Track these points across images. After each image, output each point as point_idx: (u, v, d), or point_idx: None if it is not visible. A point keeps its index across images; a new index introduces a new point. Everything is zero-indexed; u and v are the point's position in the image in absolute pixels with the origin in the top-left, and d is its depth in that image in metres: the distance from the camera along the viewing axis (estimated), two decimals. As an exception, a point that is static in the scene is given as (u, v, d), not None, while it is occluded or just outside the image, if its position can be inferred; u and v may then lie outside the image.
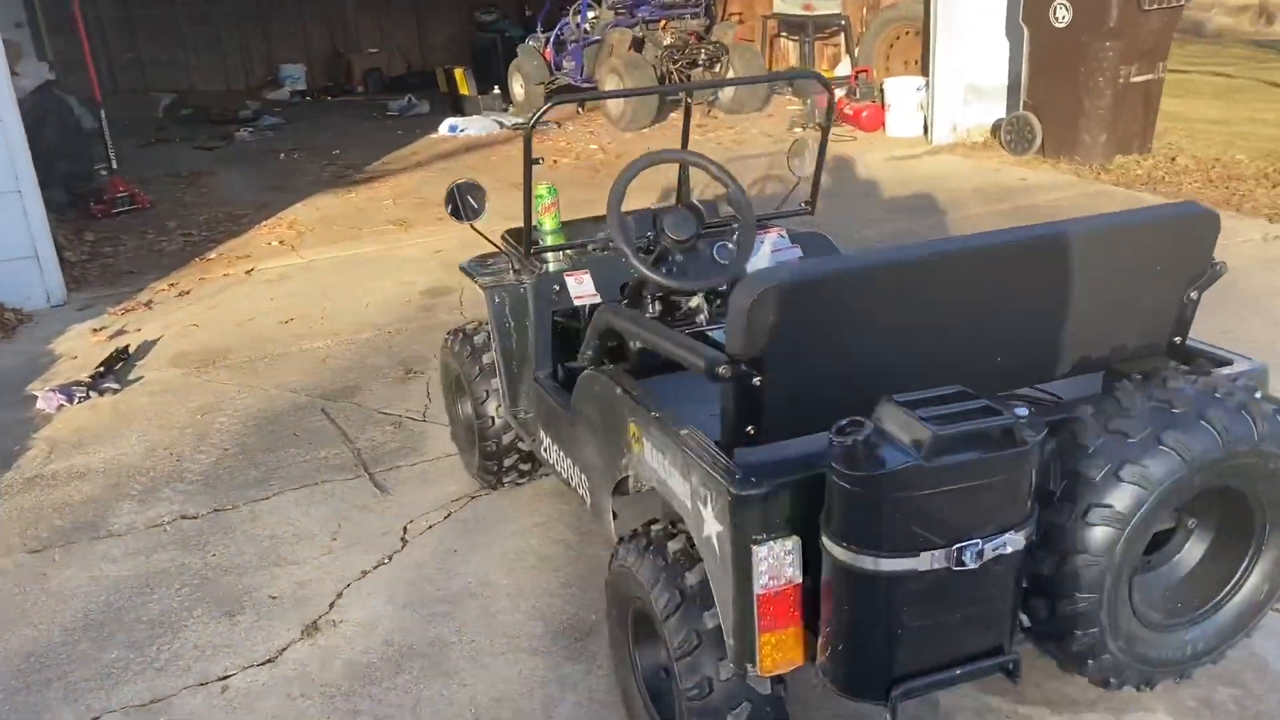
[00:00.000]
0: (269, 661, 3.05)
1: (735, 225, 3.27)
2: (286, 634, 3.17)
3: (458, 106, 12.74)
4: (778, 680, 2.17)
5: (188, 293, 6.59)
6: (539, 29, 12.97)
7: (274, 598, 3.36)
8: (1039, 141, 8.51)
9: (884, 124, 10.07)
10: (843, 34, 11.46)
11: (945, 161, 8.97)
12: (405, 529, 3.71)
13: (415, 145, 11.23)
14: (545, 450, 3.17)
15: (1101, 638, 1.94)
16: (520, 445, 3.69)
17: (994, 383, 2.21)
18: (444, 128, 11.74)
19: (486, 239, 3.80)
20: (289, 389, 4.97)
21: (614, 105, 11.15)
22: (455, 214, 3.60)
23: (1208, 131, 9.54)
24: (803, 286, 1.92)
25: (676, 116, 11.87)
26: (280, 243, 7.63)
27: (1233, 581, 2.08)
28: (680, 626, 2.18)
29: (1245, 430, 1.89)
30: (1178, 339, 2.37)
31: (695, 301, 3.58)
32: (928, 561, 1.77)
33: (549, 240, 3.72)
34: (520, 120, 11.99)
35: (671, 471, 2.18)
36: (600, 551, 3.47)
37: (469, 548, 3.56)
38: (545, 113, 3.13)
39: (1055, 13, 8.05)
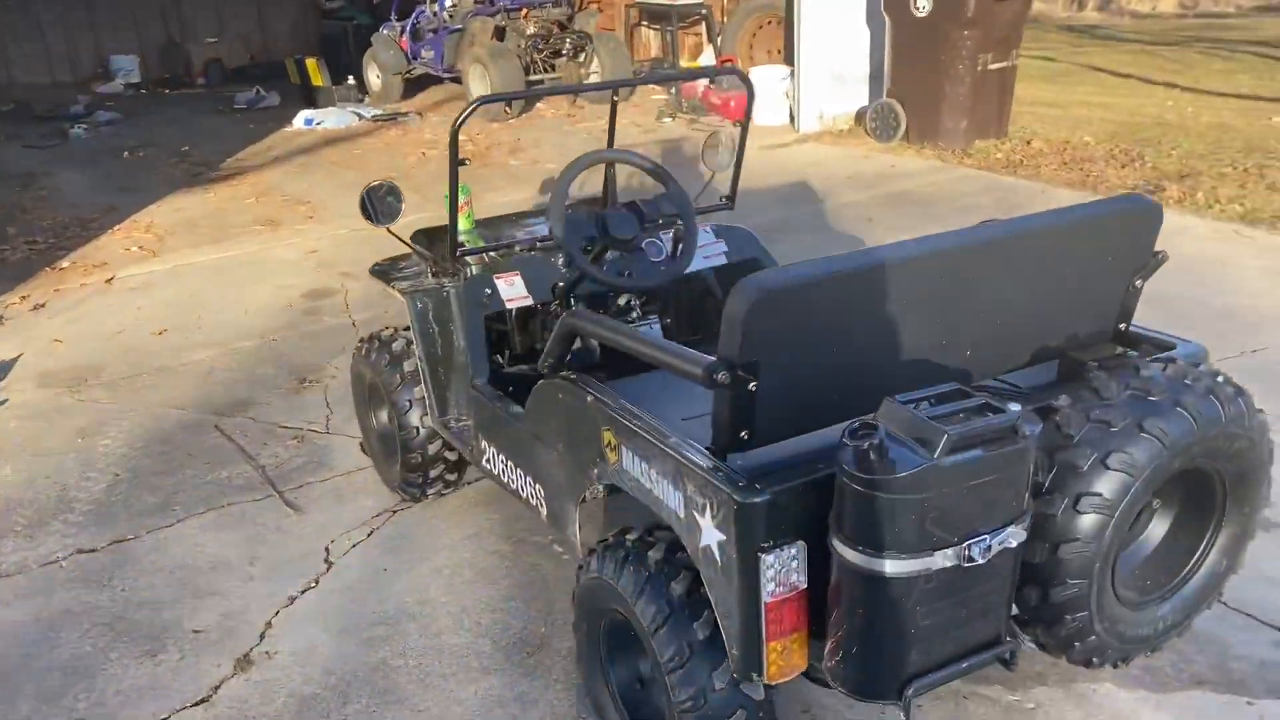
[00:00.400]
0: (203, 701, 2.86)
1: (664, 220, 3.25)
2: (217, 670, 2.98)
3: (311, 98, 12.26)
4: (769, 684, 2.15)
5: (43, 306, 6.12)
6: (393, 17, 12.62)
7: (197, 631, 3.15)
8: (903, 128, 8.78)
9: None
10: (704, 23, 11.56)
11: (815, 150, 9.16)
12: (328, 549, 3.54)
13: (270, 140, 10.75)
14: (488, 461, 3.07)
15: (1089, 621, 2.01)
16: (447, 455, 3.57)
17: (963, 376, 2.25)
18: (299, 120, 11.28)
19: (404, 241, 3.66)
20: (175, 405, 4.68)
21: (478, 94, 10.93)
22: (369, 217, 3.45)
23: (1049, 115, 10.05)
24: (797, 289, 1.90)
25: (543, 107, 11.75)
26: (139, 248, 7.18)
27: (1196, 556, 2.18)
28: (670, 638, 2.14)
29: (1214, 413, 1.98)
30: (1123, 325, 2.47)
31: (623, 300, 3.55)
32: (940, 560, 1.78)
33: (465, 240, 3.60)
34: (379, 111, 11.64)
35: (659, 480, 2.13)
36: (539, 561, 3.40)
37: (399, 566, 3.43)
38: (470, 113, 3.03)
39: (916, 3, 8.30)
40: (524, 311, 3.39)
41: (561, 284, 3.27)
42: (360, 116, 11.39)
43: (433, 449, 3.53)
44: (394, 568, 3.42)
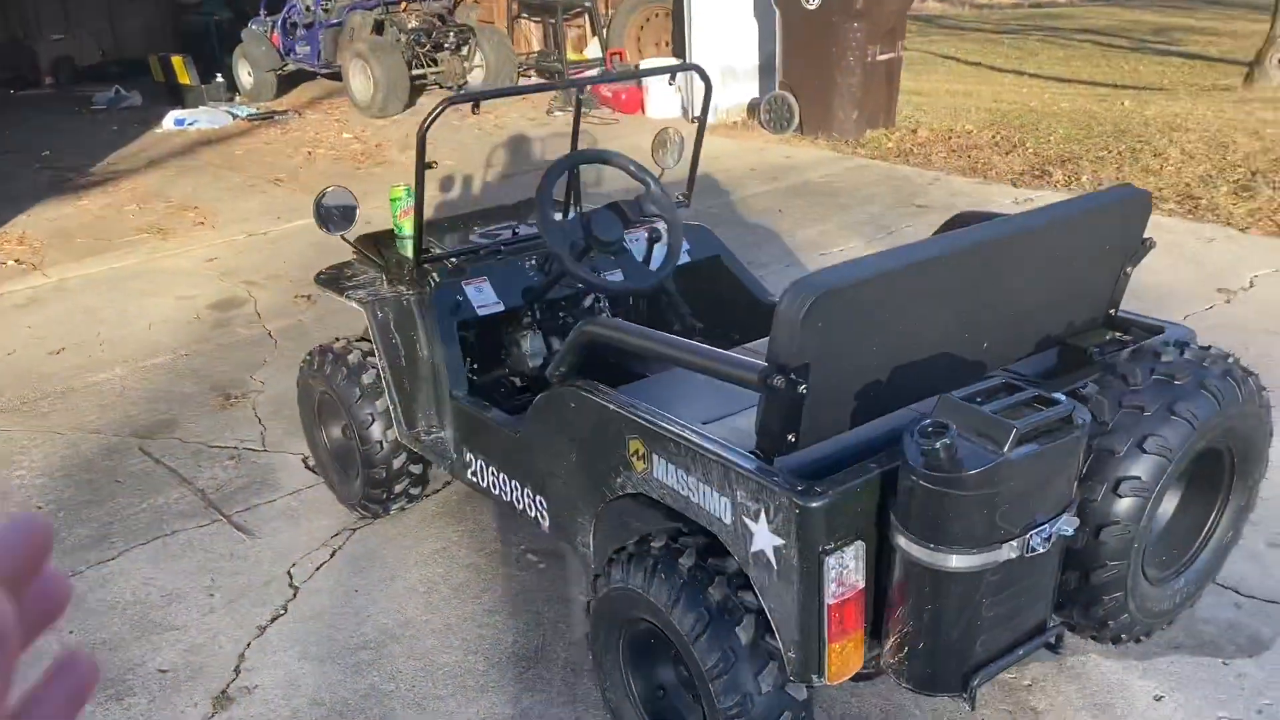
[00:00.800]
0: (185, 746, 2.70)
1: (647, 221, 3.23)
2: (195, 710, 2.81)
3: (178, 97, 11.70)
4: (810, 685, 2.15)
5: (-83, 328, 5.67)
6: (262, 12, 12.13)
7: (164, 671, 2.97)
8: (797, 120, 8.94)
9: (643, 106, 10.23)
10: (587, 16, 11.51)
11: (711, 142, 9.14)
12: (290, 574, 3.38)
13: (140, 142, 10.21)
14: (473, 473, 2.98)
15: (1124, 600, 2.08)
16: (411, 469, 3.46)
17: (980, 368, 2.30)
18: (169, 121, 10.74)
19: (359, 250, 3.52)
20: (90, 429, 4.39)
21: (361, 91, 10.64)
22: (324, 225, 3.31)
23: (921, 104, 10.40)
24: (847, 290, 1.90)
25: (426, 102, 11.50)
26: (16, 261, 6.71)
27: (1206, 529, 2.29)
28: (713, 645, 2.12)
29: (1232, 393, 2.07)
30: (1113, 310, 2.56)
31: (588, 302, 3.50)
32: (1006, 552, 1.81)
33: (408, 245, 3.49)
34: (254, 110, 11.19)
35: (698, 487, 2.11)
36: (516, 572, 3.32)
37: (371, 586, 3.30)
38: (438, 115, 2.91)
39: (806, -4, 8.45)
40: (486, 319, 3.31)
41: (533, 288, 3.21)
42: (235, 116, 10.92)
43: (397, 463, 3.41)
44: (365, 588, 3.29)
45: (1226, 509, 2.28)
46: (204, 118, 10.75)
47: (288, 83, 12.45)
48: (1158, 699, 2.65)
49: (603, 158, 2.98)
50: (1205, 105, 10.20)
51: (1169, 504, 2.30)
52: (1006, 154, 8.19)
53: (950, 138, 8.81)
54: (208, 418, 4.47)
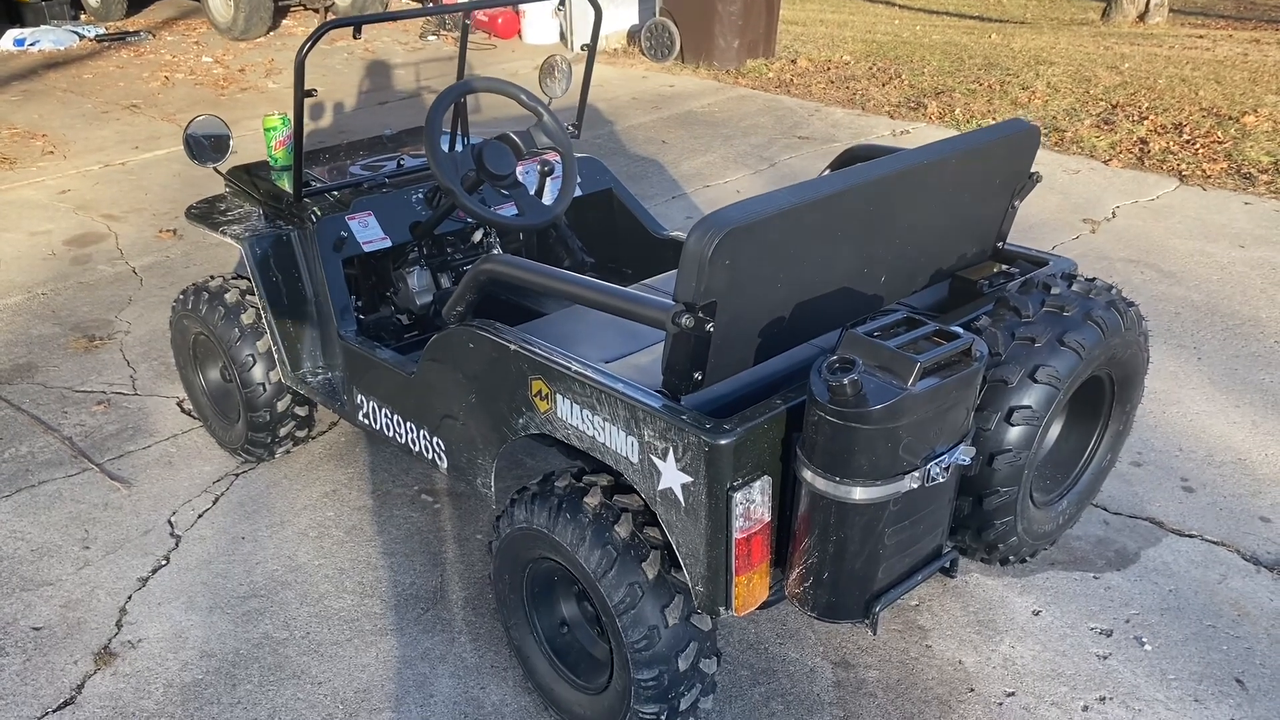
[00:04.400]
0: (68, 704, 2.58)
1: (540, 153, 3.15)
2: (76, 668, 2.69)
3: (16, 15, 10.85)
4: (716, 616, 2.19)
5: None
6: (107, -77, 11.29)
7: (38, 629, 2.83)
8: (678, 48, 8.86)
9: (519, 32, 9.97)
10: (461, -64, 11.09)
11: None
12: (171, 523, 3.25)
13: (-24, 64, 9.47)
14: (365, 416, 2.90)
15: (1014, 523, 2.16)
16: (296, 411, 3.34)
17: (877, 302, 2.33)
18: (7, 41, 9.98)
19: (231, 181, 3.34)
20: (-60, 376, 4.11)
21: (221, 11, 10.06)
22: (194, 156, 3.13)
23: (798, 34, 10.45)
24: (755, 226, 1.89)
25: (291, 24, 10.97)
26: None
27: (1086, 453, 2.39)
28: (619, 581, 2.13)
29: (1116, 323, 2.16)
30: (1000, 244, 2.63)
31: (477, 237, 3.42)
32: (908, 483, 1.86)
33: (285, 178, 3.34)
34: (103, 31, 10.48)
35: (604, 426, 2.09)
36: (410, 513, 3.27)
37: (258, 532, 3.20)
38: (317, 40, 2.76)
39: (686, -79, 8.32)
40: (370, 255, 3.20)
41: (420, 224, 3.11)
42: (81, 36, 10.22)
43: (281, 406, 3.29)
44: (253, 535, 3.19)
45: (1106, 434, 2.39)
46: (47, 38, 10.01)
47: (139, 2, 11.69)
48: (1036, 613, 2.79)
49: (493, 87, 2.88)
50: (1067, 39, 10.53)
51: (1053, 430, 2.39)
52: (883, 86, 8.30)
53: (829, 68, 8.88)
54: (71, 361, 4.23)
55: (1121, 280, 4.60)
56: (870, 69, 8.81)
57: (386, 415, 2.81)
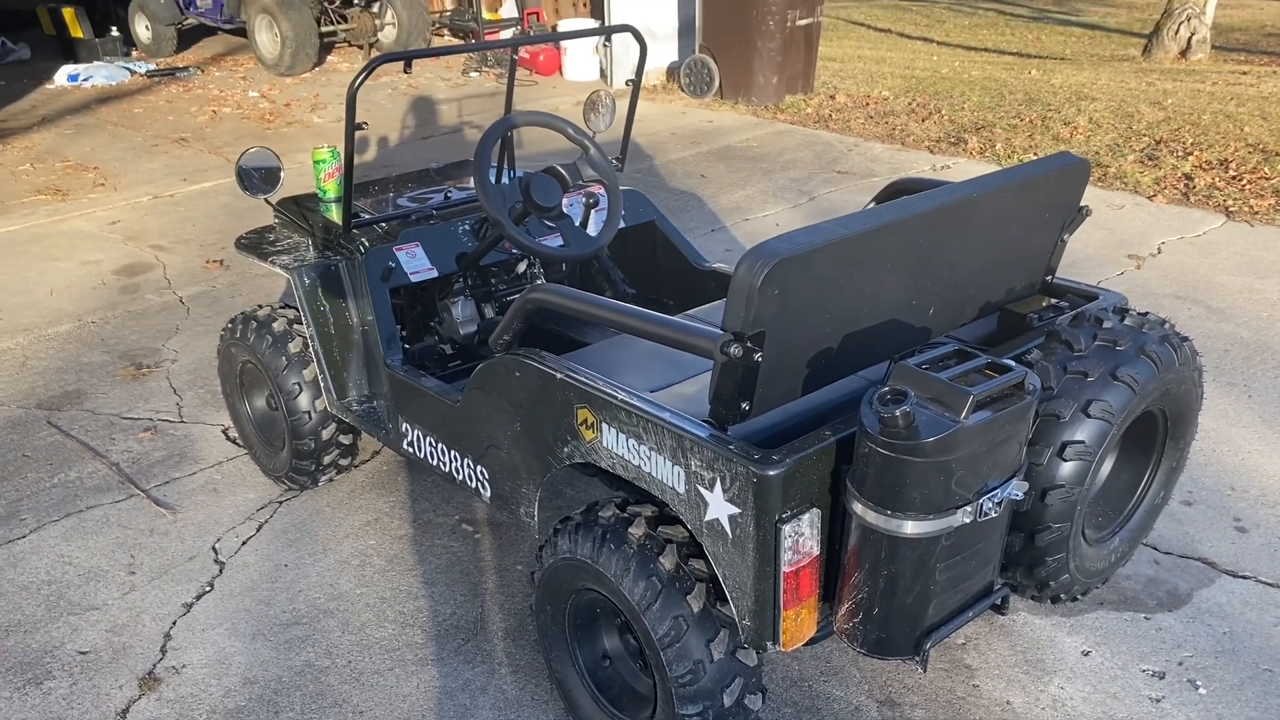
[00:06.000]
0: (112, 729, 2.60)
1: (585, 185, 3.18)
2: (121, 693, 2.71)
3: (71, 52, 11.14)
4: (763, 651, 2.16)
5: None
6: (161, -37, 11.58)
7: (84, 653, 2.85)
8: (717, 84, 8.91)
9: (560, 68, 10.08)
10: (503, -26, 11.27)
11: (631, 104, 9.14)
12: (215, 549, 3.28)
13: (32, 98, 9.71)
14: (410, 444, 2.91)
15: (1066, 560, 2.13)
16: (341, 439, 3.37)
17: (925, 335, 2.32)
18: (62, 77, 10.24)
19: (281, 213, 3.39)
20: (-8, 402, 4.18)
21: (268, 47, 10.26)
22: (247, 188, 3.18)
23: (837, 70, 10.48)
24: (804, 257, 1.89)
25: (336, 60, 11.17)
26: (-100, 223, 6.34)
27: (1139, 490, 2.35)
28: (664, 614, 2.11)
29: (1170, 358, 2.13)
30: (1049, 277, 2.61)
31: (522, 268, 3.44)
32: (961, 517, 1.83)
33: (334, 209, 3.38)
34: (154, 66, 10.73)
35: (651, 456, 2.08)
36: (450, 542, 3.27)
37: (301, 560, 3.22)
38: (369, 73, 2.80)
39: (726, -42, 8.40)
40: (415, 285, 3.23)
41: (468, 255, 3.14)
42: (132, 72, 10.46)
43: (326, 434, 3.32)
44: (295, 562, 3.20)
45: (1159, 471, 2.35)
46: (100, 73, 10.26)
47: (188, 38, 11.98)
48: (1085, 653, 2.73)
49: (542, 121, 2.91)
50: (1108, 75, 10.49)
51: (1106, 467, 2.35)
52: (923, 121, 8.30)
53: (868, 104, 8.90)
54: (119, 388, 4.29)
55: (1169, 317, 4.54)
56: (909, 104, 8.81)
57: (431, 444, 2.82)
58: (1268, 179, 6.39)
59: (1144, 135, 7.51)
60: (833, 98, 9.04)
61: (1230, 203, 6.05)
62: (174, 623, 2.96)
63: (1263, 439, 3.67)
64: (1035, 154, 7.29)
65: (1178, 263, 5.24)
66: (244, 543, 3.31)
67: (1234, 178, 6.46)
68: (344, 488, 3.57)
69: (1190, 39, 11.83)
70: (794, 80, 8.93)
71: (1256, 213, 5.90)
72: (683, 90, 9.19)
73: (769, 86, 8.74)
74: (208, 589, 3.10)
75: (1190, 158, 6.89)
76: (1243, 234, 5.62)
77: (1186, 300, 4.79)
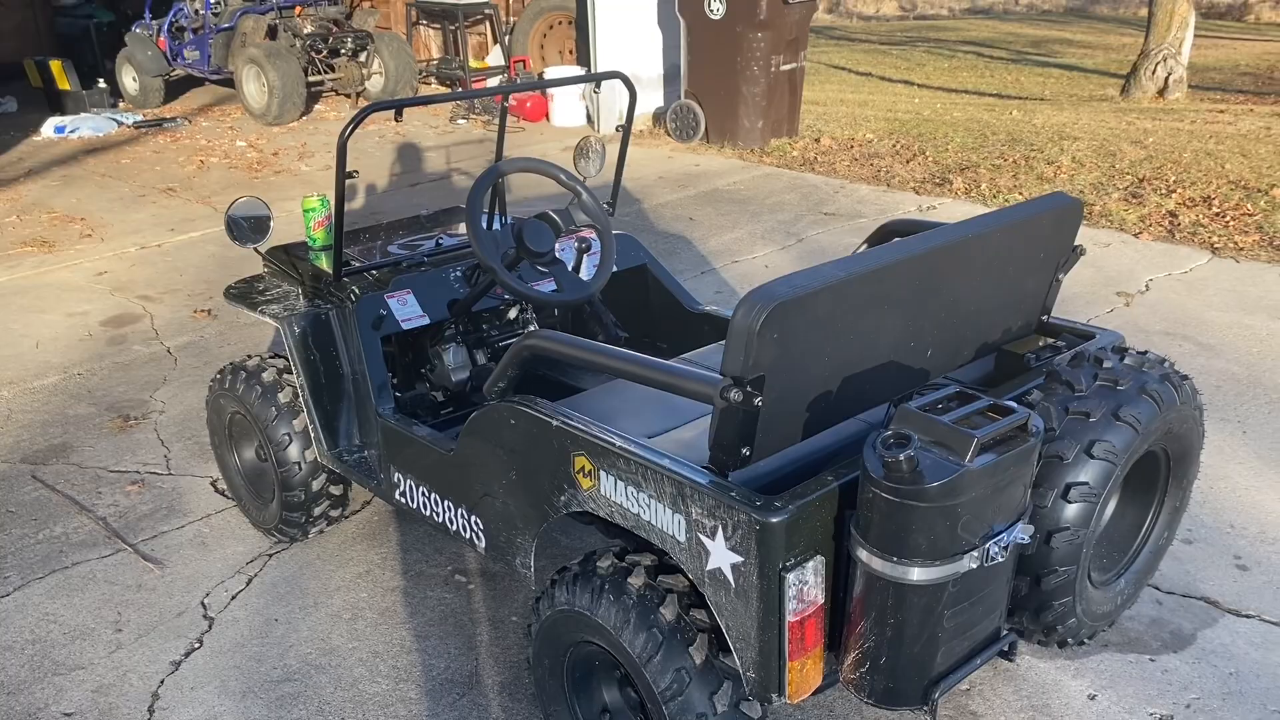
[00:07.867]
0: (98, 795, 2.52)
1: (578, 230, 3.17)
2: (107, 756, 2.63)
3: (57, 104, 11.15)
4: (766, 702, 2.12)
5: None
6: (146, 15, 11.66)
7: (69, 715, 2.78)
8: (703, 128, 8.98)
9: (548, 114, 10.15)
10: (489, 23, 11.38)
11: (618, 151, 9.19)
12: (204, 604, 3.21)
13: (18, 150, 9.70)
14: (402, 494, 2.87)
15: (1073, 604, 2.10)
16: (331, 490, 3.32)
17: (923, 376, 2.30)
18: (48, 129, 10.25)
19: (271, 262, 3.37)
20: (-24, 456, 4.12)
21: (255, 97, 10.30)
22: (236, 237, 3.16)
23: (820, 113, 10.57)
24: (803, 300, 1.87)
25: (323, 109, 11.22)
26: (-115, 277, 6.29)
27: (1143, 530, 2.33)
28: (665, 666, 2.07)
29: (1171, 397, 2.11)
30: (1045, 317, 2.60)
31: (514, 313, 3.42)
32: (968, 563, 1.80)
33: (323, 258, 3.36)
34: (141, 117, 10.75)
35: (652, 504, 2.05)
36: (444, 594, 3.22)
37: (291, 615, 3.15)
38: (359, 122, 2.80)
39: (710, 6, 8.50)
40: (406, 333, 3.21)
41: (460, 302, 3.12)
42: (120, 123, 10.47)
43: (316, 485, 3.27)
44: (286, 617, 3.14)
45: (1163, 511, 2.33)
46: (87, 125, 10.27)
47: (176, 88, 12.02)
48: (1091, 698, 2.69)
49: (533, 167, 2.90)
50: (1088, 115, 10.61)
51: (1109, 508, 2.33)
52: (907, 162, 8.36)
53: (852, 146, 8.96)
54: (105, 441, 4.24)
55: (1160, 353, 4.54)
56: (893, 146, 8.88)
57: (424, 493, 2.78)
58: (1250, 215, 6.44)
59: (1127, 174, 7.57)
60: (817, 140, 9.11)
61: (1215, 239, 6.09)
62: (162, 681, 2.89)
63: (1259, 475, 3.66)
64: (1020, 193, 7.35)
65: (1166, 299, 5.26)
66: (233, 597, 3.24)
67: (1217, 214, 6.51)
68: (334, 539, 3.52)
69: (1167, 79, 12.00)
70: (779, 124, 8.99)
71: (1241, 248, 5.94)
72: (669, 135, 9.25)
73: (754, 130, 8.80)
74: (197, 645, 3.04)
75: (1174, 195, 6.95)
76: (1229, 270, 5.65)
77: (1177, 337, 4.80)
